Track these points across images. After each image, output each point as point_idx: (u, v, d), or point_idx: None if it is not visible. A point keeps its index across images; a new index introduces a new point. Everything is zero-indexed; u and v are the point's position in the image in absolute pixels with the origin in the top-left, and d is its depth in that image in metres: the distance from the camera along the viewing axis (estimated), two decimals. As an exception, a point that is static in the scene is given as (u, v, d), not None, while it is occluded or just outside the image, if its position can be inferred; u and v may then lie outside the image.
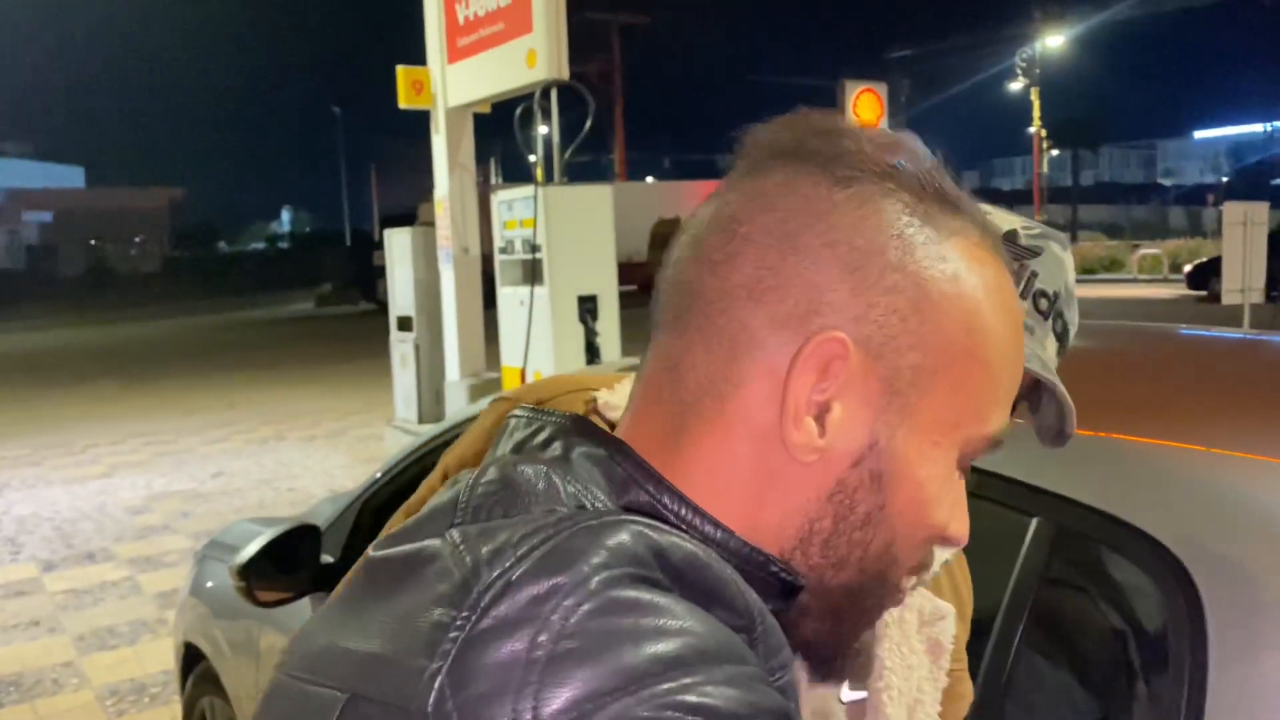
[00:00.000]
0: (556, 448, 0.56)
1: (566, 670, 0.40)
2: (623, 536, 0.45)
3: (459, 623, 0.42)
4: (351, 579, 0.51)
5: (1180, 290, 22.00)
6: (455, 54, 7.83)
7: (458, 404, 8.28)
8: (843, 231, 0.54)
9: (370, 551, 0.52)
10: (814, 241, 0.54)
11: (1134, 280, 27.17)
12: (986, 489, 1.22)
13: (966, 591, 0.99)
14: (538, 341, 6.47)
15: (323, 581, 2.16)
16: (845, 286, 0.53)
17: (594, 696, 0.39)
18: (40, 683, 4.28)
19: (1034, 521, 1.16)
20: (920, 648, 0.91)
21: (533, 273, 6.50)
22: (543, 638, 0.41)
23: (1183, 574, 1.01)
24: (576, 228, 6.48)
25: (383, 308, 26.87)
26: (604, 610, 0.41)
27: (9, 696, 4.15)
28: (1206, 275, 19.42)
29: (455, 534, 0.47)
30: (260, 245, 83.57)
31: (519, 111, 7.04)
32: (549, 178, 6.69)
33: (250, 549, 2.07)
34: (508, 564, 0.43)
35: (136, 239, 67.29)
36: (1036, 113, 40.31)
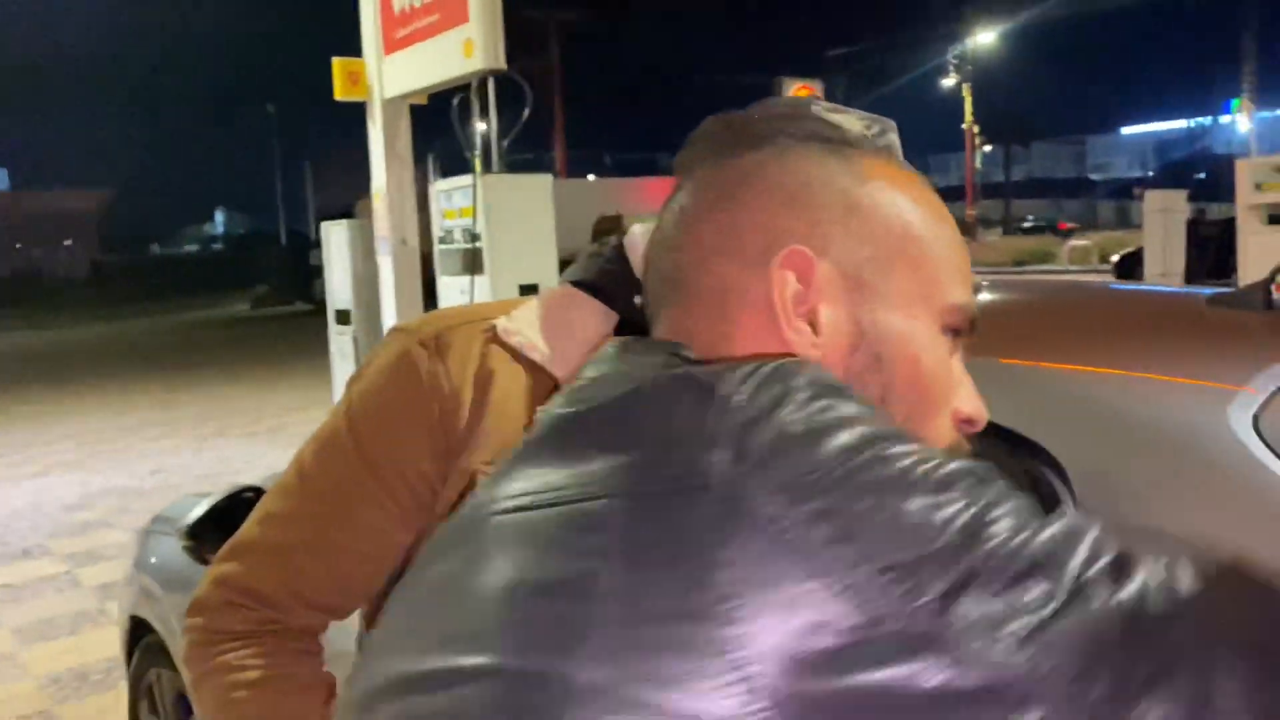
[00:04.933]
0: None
1: (812, 439, 0.51)
2: (815, 371, 0.57)
3: (729, 418, 0.52)
4: (542, 437, 0.59)
5: (1109, 279, 22.64)
6: (391, 45, 7.83)
7: (400, 396, 8.28)
8: (773, 178, 0.67)
9: (555, 410, 0.61)
10: (752, 193, 0.67)
11: (1065, 271, 27.85)
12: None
13: None
14: (479, 330, 6.52)
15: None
16: (789, 216, 0.65)
17: (822, 462, 0.50)
18: (-21, 675, 4.24)
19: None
20: None
21: (473, 262, 6.54)
22: (795, 415, 0.52)
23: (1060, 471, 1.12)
24: (516, 217, 6.55)
25: (320, 307, 26.52)
26: (817, 396, 0.54)
27: (-53, 689, 4.11)
28: (1132, 265, 19.98)
29: (692, 371, 0.57)
30: (194, 247, 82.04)
31: (456, 101, 7.07)
32: (487, 168, 6.74)
33: (198, 510, 2.12)
34: (748, 380, 0.55)
35: (65, 243, 65.70)
36: (969, 109, 41.08)
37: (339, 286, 8.95)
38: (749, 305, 0.64)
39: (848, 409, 0.53)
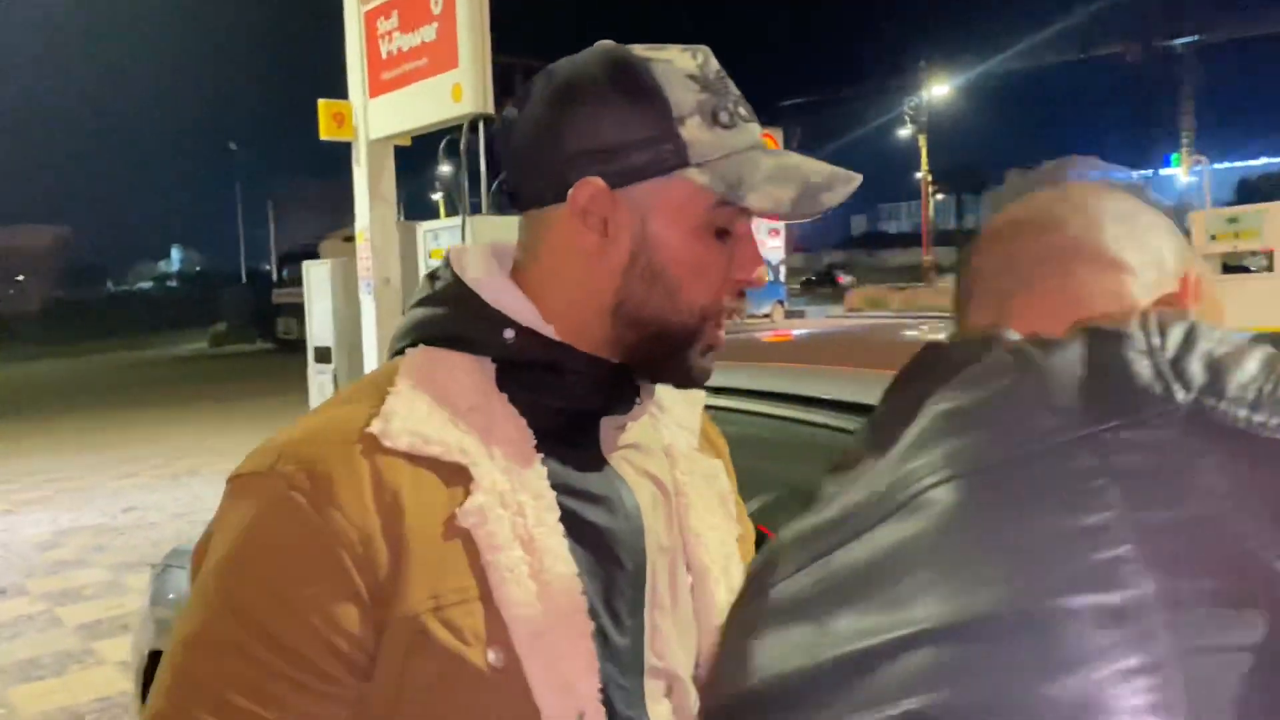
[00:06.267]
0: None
1: (1238, 359, 0.58)
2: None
3: (1158, 356, 0.58)
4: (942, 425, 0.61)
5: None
6: (377, 88, 7.91)
7: (379, 435, 8.25)
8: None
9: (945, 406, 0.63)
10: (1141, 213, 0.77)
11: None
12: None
13: (722, 445, 1.06)
14: (465, 369, 6.53)
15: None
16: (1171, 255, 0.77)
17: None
18: (-34, 715, 4.16)
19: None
20: (715, 506, 0.98)
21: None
22: (1212, 344, 0.59)
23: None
24: (504, 257, 6.59)
25: (282, 346, 26.28)
26: (1213, 330, 0.62)
27: (-66, 729, 4.03)
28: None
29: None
30: (148, 285, 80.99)
31: (444, 143, 7.15)
32: (475, 209, 6.81)
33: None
34: (1149, 326, 0.63)
35: (18, 278, 64.54)
36: (924, 159, 41.86)
37: (320, 325, 8.94)
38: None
39: (1238, 335, 0.62)
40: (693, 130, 0.81)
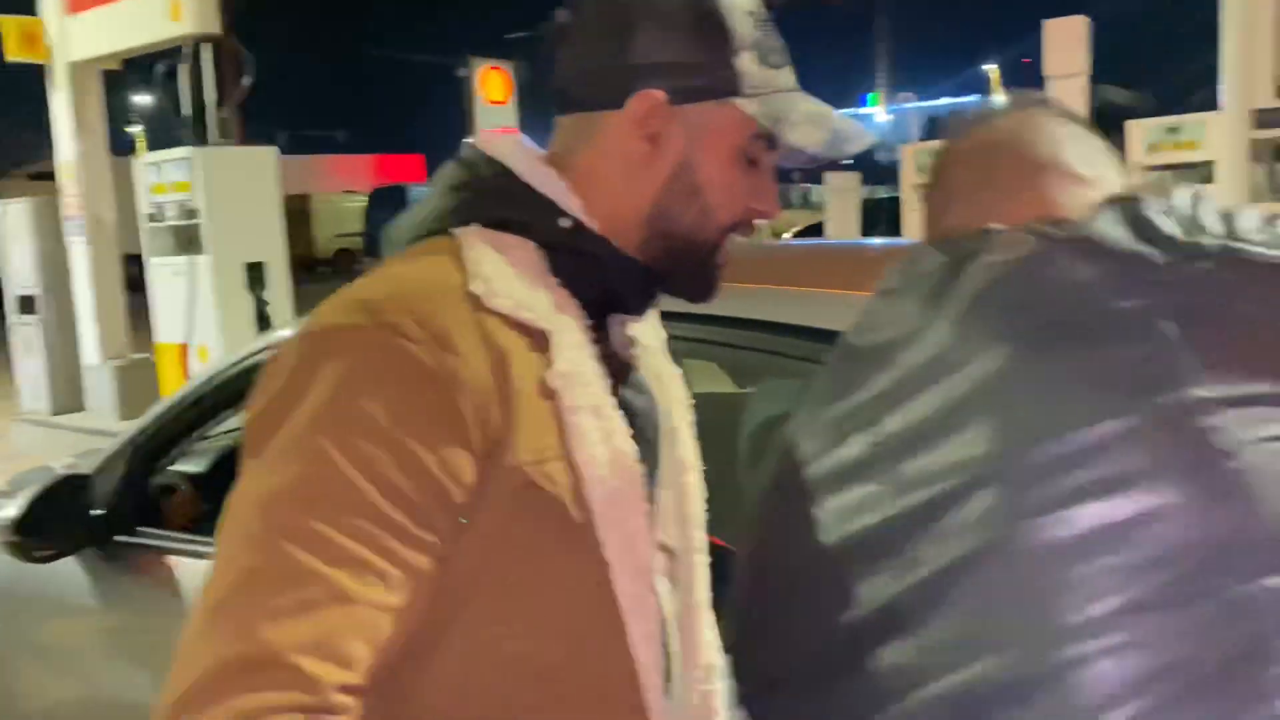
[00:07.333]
0: None
1: None
2: None
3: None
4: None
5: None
6: (78, 3, 7.08)
7: (101, 390, 7.56)
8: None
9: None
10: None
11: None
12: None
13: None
14: (202, 313, 6.10)
15: (95, 535, 2.04)
16: None
17: None
18: None
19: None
20: (681, 407, 1.04)
21: (190, 240, 6.09)
22: None
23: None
24: (240, 191, 6.16)
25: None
26: None
27: None
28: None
29: None
30: None
31: (161, 69, 6.52)
32: (201, 139, 6.28)
33: (19, 502, 1.92)
34: None
35: None
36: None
37: (19, 271, 8.01)
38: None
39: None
40: (747, 63, 0.88)
